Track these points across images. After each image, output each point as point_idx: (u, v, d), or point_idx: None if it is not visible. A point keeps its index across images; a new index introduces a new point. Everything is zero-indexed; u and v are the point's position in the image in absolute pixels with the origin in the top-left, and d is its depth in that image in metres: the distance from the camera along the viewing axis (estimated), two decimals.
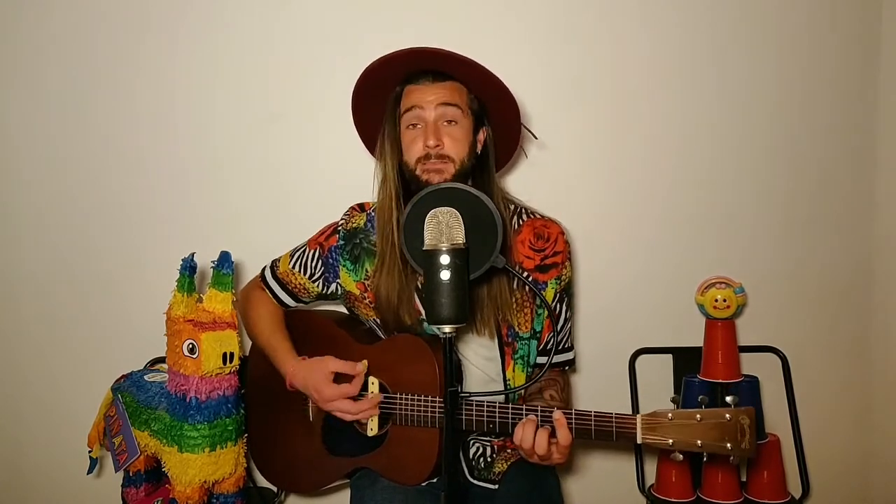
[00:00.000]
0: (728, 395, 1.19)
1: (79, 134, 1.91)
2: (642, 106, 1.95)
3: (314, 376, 1.40)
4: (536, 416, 1.25)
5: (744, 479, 1.79)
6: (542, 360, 1.51)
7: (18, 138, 1.91)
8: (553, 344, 1.48)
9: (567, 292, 1.53)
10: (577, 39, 1.93)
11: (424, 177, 1.40)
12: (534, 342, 1.49)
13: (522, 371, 1.48)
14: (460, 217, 1.10)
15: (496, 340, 1.46)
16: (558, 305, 1.51)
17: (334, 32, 1.90)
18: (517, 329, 1.46)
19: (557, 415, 1.23)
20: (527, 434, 1.23)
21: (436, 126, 1.40)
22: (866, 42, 1.97)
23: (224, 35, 1.89)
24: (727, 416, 1.13)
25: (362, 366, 1.39)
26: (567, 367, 1.58)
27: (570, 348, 1.58)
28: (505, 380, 1.47)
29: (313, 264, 1.55)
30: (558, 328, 1.52)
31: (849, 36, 1.97)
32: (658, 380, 1.92)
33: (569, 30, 1.93)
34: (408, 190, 1.44)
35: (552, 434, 1.22)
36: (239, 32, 1.90)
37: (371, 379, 1.41)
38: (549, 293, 1.49)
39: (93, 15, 1.88)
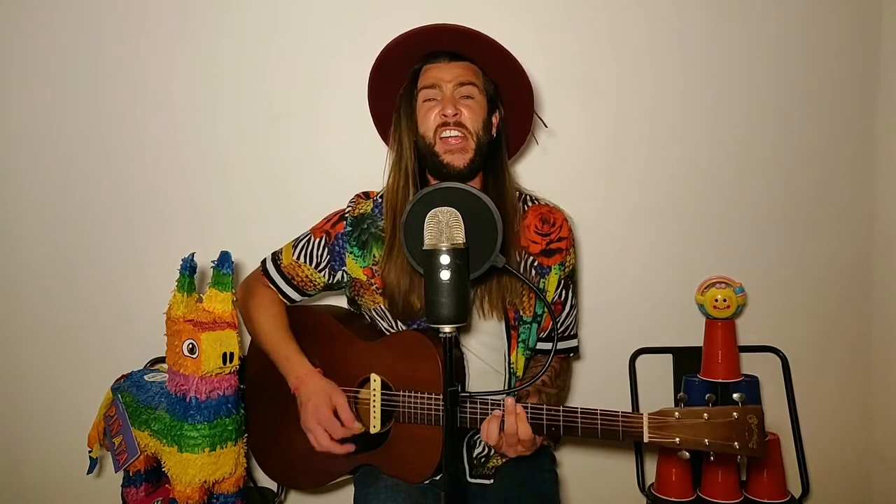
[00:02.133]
0: (735, 393, 1.17)
1: (79, 134, 1.91)
2: (643, 107, 1.95)
3: (321, 397, 1.40)
4: (501, 411, 1.26)
5: (744, 478, 1.79)
6: (541, 346, 1.52)
7: (18, 138, 1.91)
8: (555, 336, 1.48)
9: (571, 279, 1.54)
10: (580, 39, 1.93)
11: (445, 158, 1.40)
12: (535, 326, 1.49)
13: (523, 355, 1.49)
14: (460, 217, 1.10)
15: (503, 324, 1.46)
16: (563, 292, 1.52)
17: (335, 33, 1.90)
18: (521, 313, 1.47)
19: (509, 401, 1.24)
20: (492, 430, 1.25)
21: (454, 97, 1.41)
22: (866, 42, 1.97)
23: (224, 34, 1.89)
24: (735, 414, 1.12)
25: (358, 427, 1.39)
26: (571, 354, 1.59)
27: (576, 335, 1.59)
28: (509, 364, 1.47)
29: (319, 253, 1.53)
30: (563, 316, 1.53)
31: (849, 36, 1.97)
32: (658, 380, 1.92)
33: (573, 27, 1.93)
34: (423, 169, 1.45)
35: (501, 427, 1.24)
36: (239, 32, 1.90)
37: (373, 376, 1.40)
38: (553, 279, 1.50)
39: (93, 14, 1.88)
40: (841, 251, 2.01)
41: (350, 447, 1.40)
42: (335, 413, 1.40)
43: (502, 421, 1.24)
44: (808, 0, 1.95)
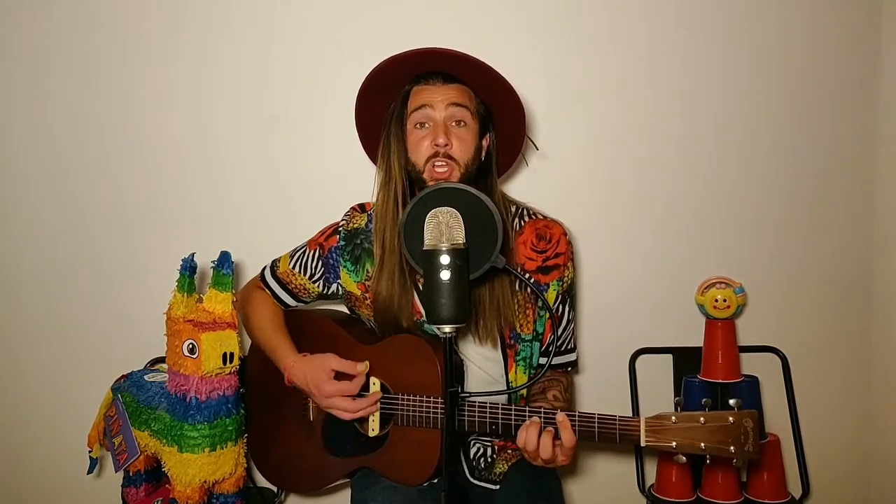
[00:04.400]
0: (732, 398, 1.18)
1: (79, 134, 1.91)
2: (643, 106, 1.95)
3: (314, 372, 1.40)
4: (540, 417, 1.25)
5: (744, 479, 1.79)
6: (543, 360, 1.51)
7: (18, 138, 1.91)
8: (553, 345, 1.48)
9: (569, 293, 1.52)
10: (578, 45, 1.93)
11: (430, 184, 1.38)
12: (536, 344, 1.49)
13: (525, 373, 1.47)
14: (460, 217, 1.09)
15: (499, 346, 1.45)
16: (560, 307, 1.51)
17: (335, 34, 1.90)
18: (519, 331, 1.46)
19: (561, 417, 1.23)
20: (530, 437, 1.23)
21: (445, 125, 1.38)
22: (866, 43, 1.97)
23: (224, 35, 1.89)
24: (730, 418, 1.14)
25: (363, 366, 1.38)
26: (570, 368, 1.57)
27: (573, 349, 1.57)
28: (507, 382, 1.47)
29: (313, 265, 1.55)
30: (560, 330, 1.52)
31: (849, 37, 1.97)
32: (658, 380, 1.92)
33: (570, 36, 1.93)
34: (411, 192, 1.43)
35: (556, 436, 1.22)
36: (239, 32, 1.90)
37: (372, 379, 1.40)
38: (552, 295, 1.48)
39: (92, 14, 1.88)
40: (841, 251, 2.01)
41: (378, 394, 1.39)
42: (338, 378, 1.38)
43: (540, 429, 1.23)
44: (808, 0, 1.95)
